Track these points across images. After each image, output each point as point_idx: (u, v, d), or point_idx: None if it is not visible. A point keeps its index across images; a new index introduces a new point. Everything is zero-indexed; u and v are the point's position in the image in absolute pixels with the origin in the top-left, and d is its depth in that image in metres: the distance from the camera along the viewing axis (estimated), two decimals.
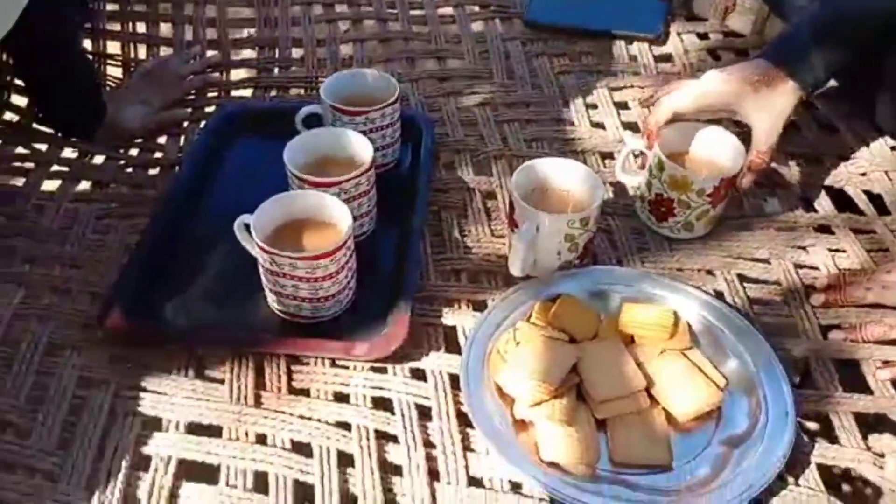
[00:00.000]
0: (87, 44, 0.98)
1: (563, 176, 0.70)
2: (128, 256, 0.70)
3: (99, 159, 0.85)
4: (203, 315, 0.65)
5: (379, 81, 0.79)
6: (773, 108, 0.73)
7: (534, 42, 0.99)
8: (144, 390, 0.59)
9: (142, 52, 1.01)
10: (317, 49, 1.00)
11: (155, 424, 0.57)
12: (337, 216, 0.64)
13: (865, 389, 0.62)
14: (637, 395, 0.58)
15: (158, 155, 0.87)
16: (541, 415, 0.56)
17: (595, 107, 0.90)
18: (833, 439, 0.58)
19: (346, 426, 0.58)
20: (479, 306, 0.68)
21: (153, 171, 0.84)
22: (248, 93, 0.96)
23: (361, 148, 0.70)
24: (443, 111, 0.90)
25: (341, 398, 0.60)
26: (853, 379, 0.63)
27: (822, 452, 0.57)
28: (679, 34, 0.99)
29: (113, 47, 1.01)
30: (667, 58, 0.97)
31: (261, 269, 0.62)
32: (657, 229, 0.74)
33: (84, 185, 0.81)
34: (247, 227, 0.63)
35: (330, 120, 0.76)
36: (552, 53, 0.97)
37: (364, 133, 0.74)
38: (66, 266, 0.69)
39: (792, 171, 0.81)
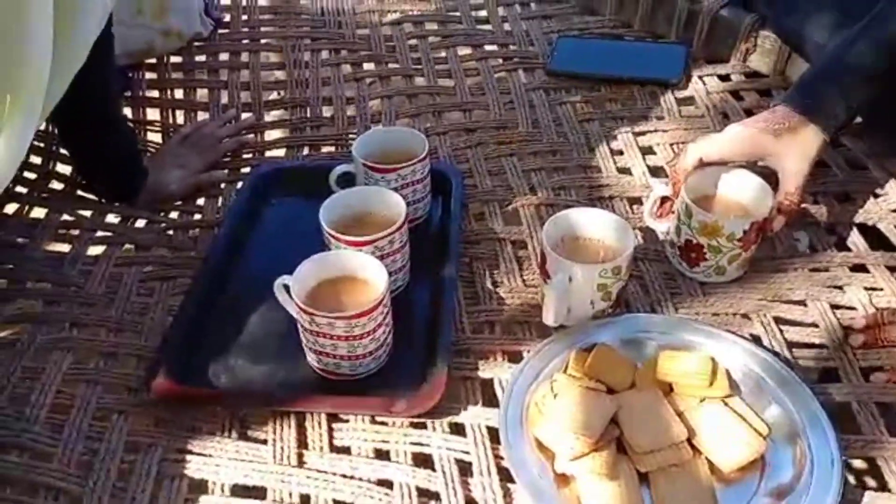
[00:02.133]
0: (127, 111, 1.03)
1: (594, 225, 0.71)
2: (171, 319, 0.72)
3: (141, 223, 0.89)
4: (245, 375, 0.66)
5: (408, 137, 0.81)
6: (798, 151, 0.73)
7: (557, 91, 1.01)
8: (190, 453, 0.60)
9: (180, 117, 1.05)
10: (346, 106, 1.03)
11: (201, 487, 0.58)
12: (373, 274, 0.65)
13: None
14: (679, 447, 0.58)
15: (198, 216, 0.89)
16: (582, 469, 0.56)
17: (621, 153, 0.91)
18: (883, 486, 0.57)
19: (388, 484, 0.58)
20: (515, 357, 0.68)
21: (193, 233, 0.86)
22: (281, 152, 0.99)
23: (394, 205, 0.72)
24: (470, 162, 0.92)
25: (382, 455, 0.60)
26: None
27: (873, 501, 0.56)
28: (701, 77, 1.00)
29: (152, 114, 1.05)
30: (689, 101, 0.98)
31: (300, 329, 0.64)
32: (689, 274, 0.74)
33: (127, 248, 0.84)
34: (286, 287, 0.64)
35: (363, 177, 0.78)
36: (575, 101, 0.99)
37: (396, 189, 0.76)
38: (112, 330, 0.72)
39: (823, 210, 0.81)
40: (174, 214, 0.91)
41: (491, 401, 0.65)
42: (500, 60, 1.08)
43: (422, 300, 0.73)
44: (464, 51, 1.11)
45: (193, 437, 0.61)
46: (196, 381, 0.66)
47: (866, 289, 0.72)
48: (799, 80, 0.80)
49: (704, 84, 0.99)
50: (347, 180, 0.80)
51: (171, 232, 0.86)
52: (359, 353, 0.63)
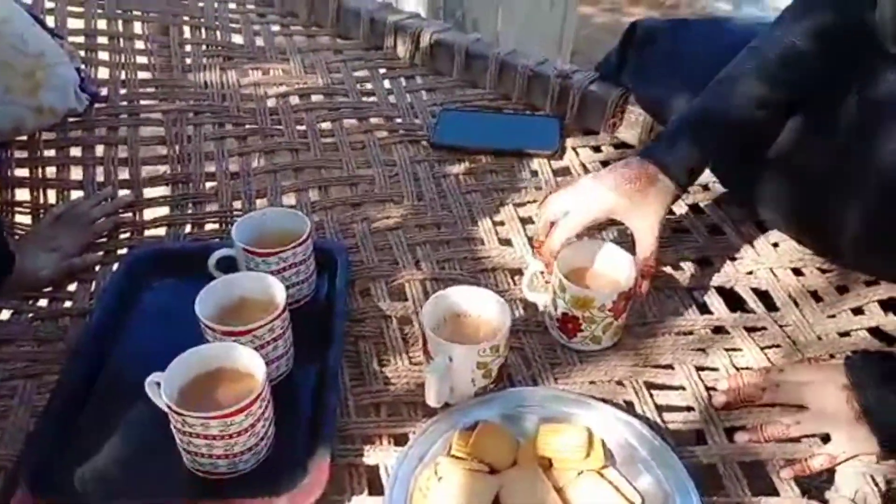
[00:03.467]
0: None
1: (472, 302, 0.72)
2: (34, 423, 0.67)
3: (5, 314, 0.84)
4: (116, 484, 0.63)
5: (289, 218, 0.81)
6: (647, 211, 0.78)
7: (441, 163, 1.05)
8: None
9: (52, 196, 1.00)
10: (231, 181, 1.02)
11: None
12: (250, 366, 0.64)
13: (773, 491, 0.65)
14: None
15: (68, 304, 0.85)
16: None
17: (502, 223, 0.95)
18: None
19: None
20: (401, 440, 0.68)
21: (63, 322, 0.82)
22: (161, 231, 0.96)
23: (272, 290, 0.71)
24: (357, 237, 0.92)
25: None
26: (764, 477, 0.66)
27: None
28: (574, 148, 1.06)
29: (21, 194, 1.00)
30: (565, 171, 1.03)
31: (173, 429, 0.62)
32: (568, 345, 0.77)
33: None
34: (158, 385, 0.62)
35: (244, 261, 0.77)
36: (459, 173, 1.03)
37: (278, 272, 0.76)
38: None
39: (685, 274, 0.87)
40: (43, 302, 0.86)
41: (377, 489, 0.64)
42: (386, 133, 1.10)
43: (305, 387, 0.72)
44: (350, 121, 1.13)
45: None
46: (61, 492, 0.62)
47: (727, 349, 0.78)
48: (656, 134, 0.86)
49: (578, 155, 1.05)
50: (229, 265, 0.78)
51: (37, 323, 0.82)
52: (237, 451, 0.61)
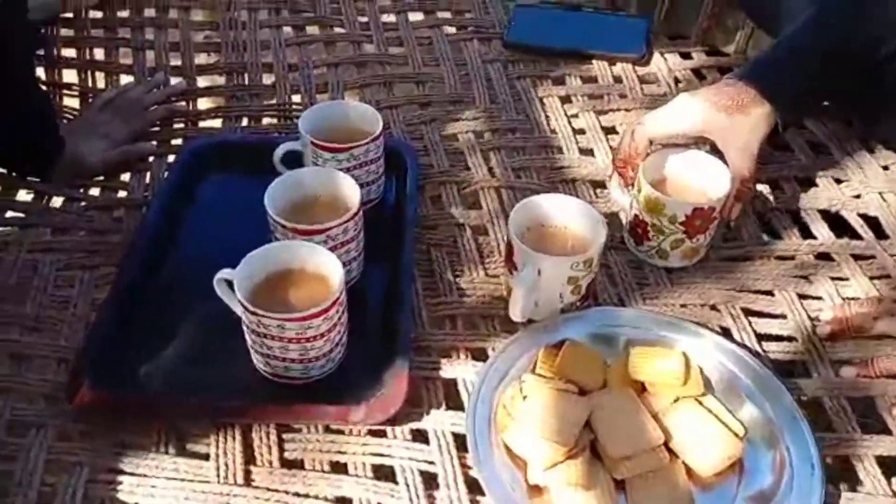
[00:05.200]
0: (39, 72, 0.91)
1: (562, 213, 0.66)
2: (95, 315, 0.64)
3: (57, 202, 0.79)
4: (182, 381, 0.59)
5: (361, 112, 0.74)
6: (746, 130, 0.70)
7: (515, 64, 0.96)
8: (122, 472, 0.53)
9: (100, 80, 0.94)
10: (289, 74, 0.95)
11: None
12: (327, 267, 0.59)
13: (884, 429, 0.60)
14: (656, 451, 0.55)
15: (122, 194, 0.81)
16: (557, 479, 0.53)
17: (583, 132, 0.87)
18: (856, 484, 0.56)
19: (346, 502, 0.53)
20: (479, 355, 0.64)
21: (118, 213, 0.78)
22: (217, 123, 0.90)
23: (349, 190, 0.65)
24: (425, 139, 0.86)
25: (339, 468, 0.55)
26: (871, 415, 0.61)
27: (849, 502, 0.54)
28: (662, 53, 0.97)
29: (69, 75, 0.94)
30: (652, 78, 0.94)
31: (245, 330, 0.58)
32: (635, 252, 0.72)
33: (42, 232, 0.75)
34: (228, 283, 0.58)
35: (311, 156, 0.72)
36: (535, 75, 0.94)
37: (348, 170, 0.70)
38: (27, 329, 0.63)
39: (786, 195, 0.80)
40: (95, 191, 0.82)
41: (455, 403, 0.60)
42: (454, 29, 1.01)
43: (377, 293, 0.68)
44: (415, 17, 1.04)
45: (124, 453, 0.54)
46: (126, 388, 0.58)
47: (832, 278, 0.71)
48: (757, 56, 0.77)
49: (666, 61, 0.96)
50: (293, 159, 0.73)
51: (91, 212, 0.77)
52: (311, 356, 0.57)
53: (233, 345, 0.60)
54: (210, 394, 0.58)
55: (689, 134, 0.72)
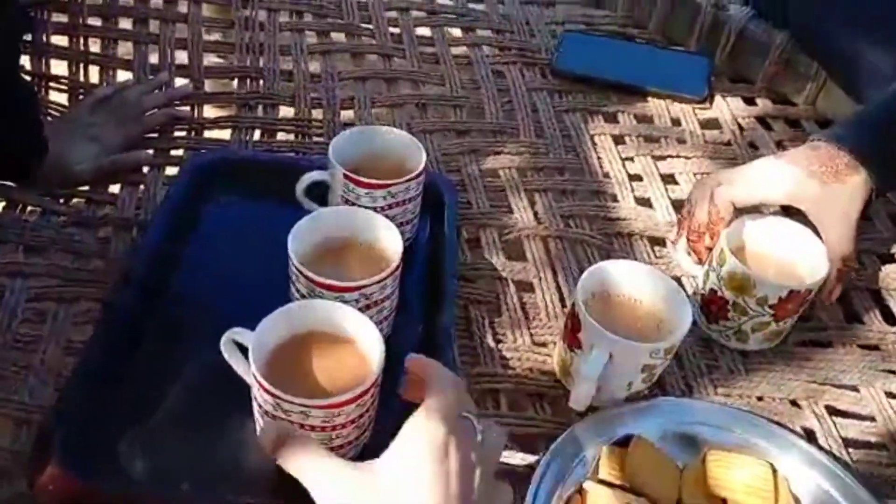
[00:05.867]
0: (24, 60, 0.80)
1: (639, 284, 0.57)
2: (71, 363, 0.53)
3: (32, 214, 0.68)
4: (181, 467, 0.48)
5: (401, 143, 0.64)
6: (843, 201, 0.62)
7: (562, 95, 0.86)
8: None
9: (94, 74, 0.83)
10: (309, 85, 0.84)
11: None
12: (360, 335, 0.49)
13: None
14: None
15: (109, 210, 0.69)
16: None
17: (640, 178, 0.78)
18: None
19: None
20: (523, 442, 0.54)
21: (103, 232, 0.67)
22: (224, 134, 0.79)
23: (389, 239, 0.55)
24: (462, 172, 0.76)
25: None
26: None
27: None
28: (724, 96, 0.88)
29: (58, 67, 0.82)
30: (713, 123, 0.85)
31: (255, 406, 0.47)
32: (706, 330, 0.63)
33: (10, 249, 0.63)
34: (239, 346, 0.47)
35: (339, 191, 0.61)
36: (585, 109, 0.85)
37: (382, 209, 0.60)
38: None
39: (867, 272, 0.71)
40: (78, 203, 0.70)
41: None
42: (496, 50, 0.92)
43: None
44: (453, 32, 0.94)
45: None
46: (106, 472, 0.47)
47: None
48: (848, 119, 0.69)
49: (728, 105, 0.87)
50: (319, 192, 0.62)
51: (71, 229, 0.66)
52: (335, 445, 0.47)
53: (241, 421, 0.49)
54: (217, 488, 0.47)
55: (777, 202, 0.63)
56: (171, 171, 0.73)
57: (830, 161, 0.62)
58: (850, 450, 0.57)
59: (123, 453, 0.48)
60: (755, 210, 0.64)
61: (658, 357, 0.53)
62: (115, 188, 0.72)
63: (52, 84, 0.81)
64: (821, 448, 0.56)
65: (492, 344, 0.61)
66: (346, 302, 0.51)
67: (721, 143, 0.83)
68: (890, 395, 0.61)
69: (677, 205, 0.74)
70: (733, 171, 0.66)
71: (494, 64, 0.89)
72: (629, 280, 0.57)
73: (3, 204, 0.69)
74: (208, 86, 0.84)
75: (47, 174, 0.70)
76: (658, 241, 0.72)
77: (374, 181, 0.59)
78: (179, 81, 0.83)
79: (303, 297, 0.52)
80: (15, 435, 0.49)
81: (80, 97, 0.81)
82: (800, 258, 0.62)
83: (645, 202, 0.75)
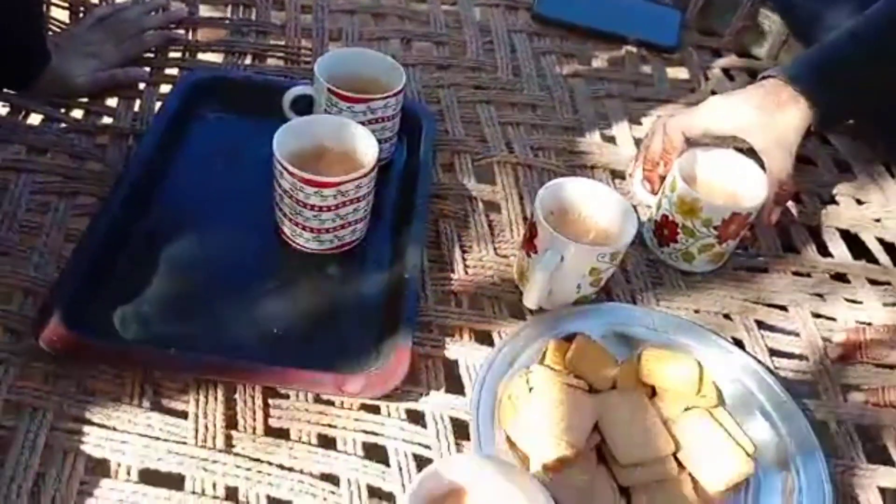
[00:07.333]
0: None
1: (591, 200, 0.62)
2: (71, 247, 0.58)
3: (35, 119, 0.72)
4: (163, 329, 0.54)
5: (383, 65, 0.69)
6: (785, 131, 0.67)
7: (541, 38, 0.91)
8: (89, 423, 0.48)
9: None
10: (301, 15, 0.88)
11: (102, 468, 0.47)
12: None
13: (888, 460, 0.58)
14: (665, 461, 0.52)
15: (107, 120, 0.74)
16: (559, 480, 0.49)
17: (606, 118, 0.83)
18: None
19: (333, 480, 0.49)
20: (483, 337, 0.60)
21: (101, 140, 0.71)
22: (217, 58, 0.83)
23: (365, 145, 0.60)
24: (442, 103, 0.81)
25: (327, 442, 0.51)
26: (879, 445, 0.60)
27: None
28: (693, 48, 0.93)
29: None
30: (681, 72, 0.91)
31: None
32: (657, 253, 0.69)
33: (17, 149, 0.68)
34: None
35: (323, 104, 0.66)
36: (561, 53, 0.90)
37: (363, 124, 0.65)
38: None
39: (808, 211, 0.77)
40: (78, 113, 0.75)
41: (454, 387, 0.56)
42: None
43: (381, 259, 0.63)
44: None
45: (94, 402, 0.49)
46: (99, 330, 0.53)
47: (847, 300, 0.69)
48: (795, 58, 0.73)
49: (697, 56, 0.92)
50: (303, 105, 0.67)
51: (72, 135, 0.71)
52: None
53: (221, 295, 0.55)
54: (193, 347, 0.53)
55: (726, 133, 0.69)
56: (166, 88, 0.77)
57: (775, 94, 0.67)
58: (774, 358, 0.64)
59: (115, 317, 0.54)
60: (705, 145, 0.70)
61: (605, 261, 0.58)
62: (111, 101, 0.76)
63: (53, 1, 0.85)
64: (747, 353, 0.62)
65: (459, 253, 0.66)
66: (324, 198, 0.56)
67: (687, 90, 0.88)
68: (816, 314, 0.68)
69: (640, 143, 0.80)
70: (687, 109, 0.71)
71: (478, 4, 0.94)
72: (584, 198, 0.62)
73: (8, 109, 0.73)
74: (203, 11, 0.88)
75: (47, 85, 0.74)
76: (619, 175, 0.77)
77: (355, 95, 0.64)
78: (176, 5, 0.87)
79: (285, 192, 0.58)
80: (23, 303, 0.54)
81: (81, 16, 0.84)
82: (742, 186, 0.68)
83: (610, 139, 0.81)
